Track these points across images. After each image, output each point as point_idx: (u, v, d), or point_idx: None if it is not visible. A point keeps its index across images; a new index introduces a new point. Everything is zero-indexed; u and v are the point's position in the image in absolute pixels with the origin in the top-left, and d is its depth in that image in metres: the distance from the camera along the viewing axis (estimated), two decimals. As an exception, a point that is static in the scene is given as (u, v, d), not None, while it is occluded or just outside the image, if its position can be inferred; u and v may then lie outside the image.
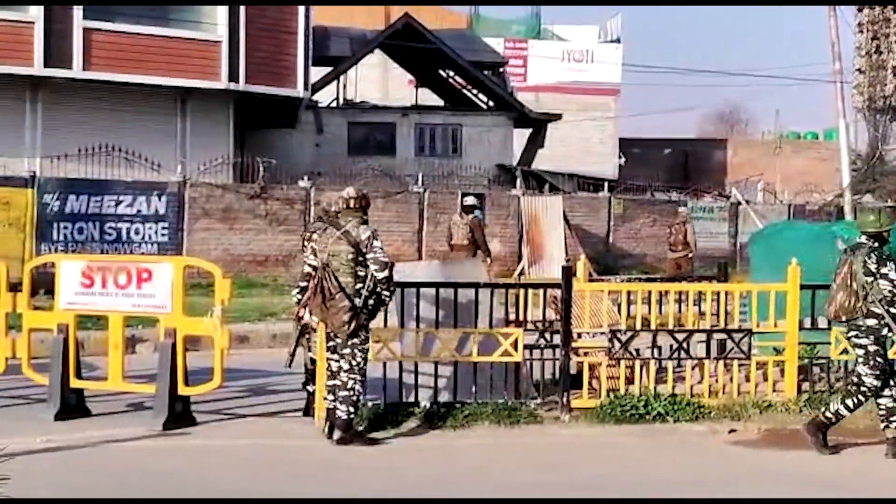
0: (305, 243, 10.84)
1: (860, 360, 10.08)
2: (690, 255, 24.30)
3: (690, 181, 47.21)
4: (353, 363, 9.96)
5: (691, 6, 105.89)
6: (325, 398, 10.25)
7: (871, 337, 9.95)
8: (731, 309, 12.41)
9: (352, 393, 9.93)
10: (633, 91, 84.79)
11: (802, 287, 11.53)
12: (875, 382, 9.93)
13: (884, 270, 9.91)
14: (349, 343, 9.94)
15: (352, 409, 9.97)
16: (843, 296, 10.00)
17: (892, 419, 10.00)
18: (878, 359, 9.96)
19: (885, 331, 9.93)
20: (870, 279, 9.91)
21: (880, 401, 10.06)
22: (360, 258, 9.91)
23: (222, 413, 11.26)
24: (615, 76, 53.26)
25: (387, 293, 10.08)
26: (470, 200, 21.40)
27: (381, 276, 9.91)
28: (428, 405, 10.97)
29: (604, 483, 8.94)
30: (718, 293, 12.42)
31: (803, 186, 40.24)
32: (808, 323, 11.75)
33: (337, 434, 9.91)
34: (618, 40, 53.80)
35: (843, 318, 10.08)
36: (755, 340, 11.67)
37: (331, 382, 10.18)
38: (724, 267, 16.70)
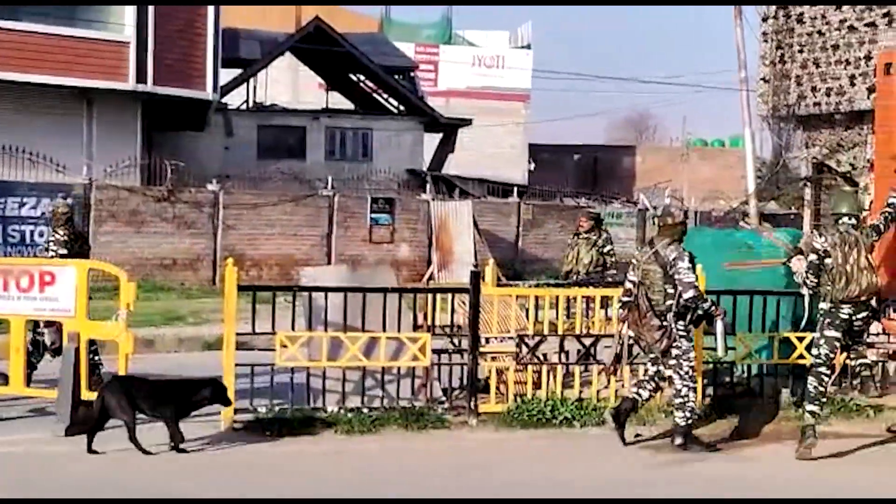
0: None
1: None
2: None
3: (599, 187, 47.62)
4: (682, 372, 10.24)
5: (601, 6, 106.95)
6: (630, 390, 10.76)
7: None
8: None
9: (686, 400, 10.24)
10: (543, 97, 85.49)
11: (707, 293, 11.63)
12: None
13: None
14: (673, 355, 10.22)
15: (688, 415, 10.27)
16: (868, 275, 10.14)
17: None
18: None
19: None
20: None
21: None
22: (669, 278, 10.17)
23: (126, 418, 11.09)
24: (525, 82, 53.62)
25: (704, 306, 10.23)
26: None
27: (687, 295, 10.11)
28: (335, 410, 10.93)
29: (515, 487, 8.95)
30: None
31: (710, 193, 40.79)
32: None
33: (678, 440, 10.26)
34: (528, 46, 54.18)
35: (864, 298, 10.19)
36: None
37: (635, 380, 11.00)
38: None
